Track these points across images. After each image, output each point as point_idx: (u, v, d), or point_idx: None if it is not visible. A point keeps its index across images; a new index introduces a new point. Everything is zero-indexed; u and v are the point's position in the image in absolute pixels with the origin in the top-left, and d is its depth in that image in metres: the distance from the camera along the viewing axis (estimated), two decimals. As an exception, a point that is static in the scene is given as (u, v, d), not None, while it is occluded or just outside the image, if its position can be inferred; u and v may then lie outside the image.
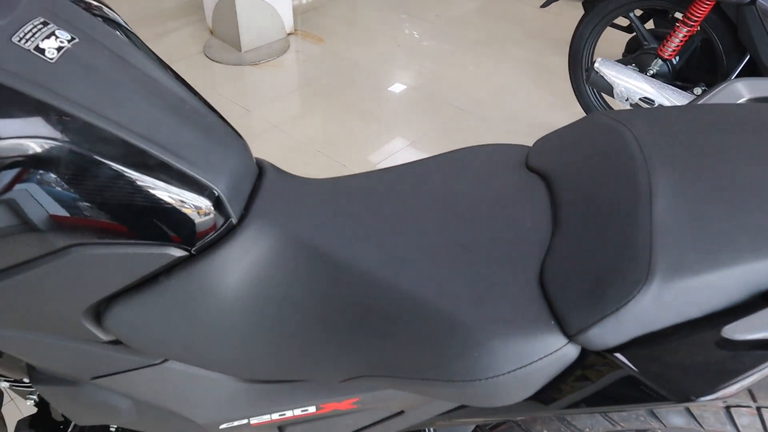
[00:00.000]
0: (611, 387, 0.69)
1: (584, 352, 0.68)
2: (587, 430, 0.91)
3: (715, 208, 0.64)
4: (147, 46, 0.77)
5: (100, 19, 0.71)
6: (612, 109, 2.50)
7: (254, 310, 0.72)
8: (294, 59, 3.16)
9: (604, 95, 2.47)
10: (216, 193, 0.67)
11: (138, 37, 0.76)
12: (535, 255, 0.72)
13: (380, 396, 0.80)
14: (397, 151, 2.55)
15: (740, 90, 0.91)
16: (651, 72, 2.25)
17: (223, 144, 0.72)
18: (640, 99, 2.15)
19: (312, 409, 0.83)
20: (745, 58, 2.05)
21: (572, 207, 0.74)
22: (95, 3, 0.74)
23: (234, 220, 0.71)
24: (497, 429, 0.97)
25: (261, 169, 0.81)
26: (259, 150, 2.51)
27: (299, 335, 0.73)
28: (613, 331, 0.63)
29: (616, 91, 2.18)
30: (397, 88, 2.97)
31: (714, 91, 0.92)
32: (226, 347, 0.73)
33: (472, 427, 0.98)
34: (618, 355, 0.66)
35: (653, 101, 2.13)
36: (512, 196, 0.80)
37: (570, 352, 0.66)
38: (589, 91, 2.50)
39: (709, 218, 0.64)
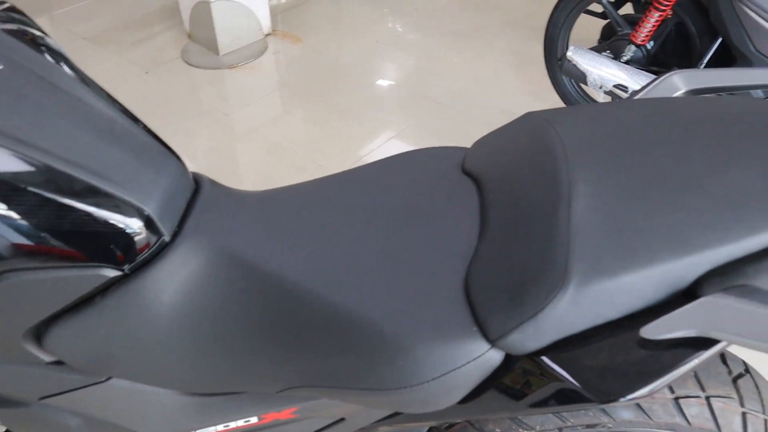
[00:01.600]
0: (538, 389, 0.68)
1: (511, 356, 0.67)
2: (538, 427, 0.90)
3: (634, 208, 0.64)
4: (80, 70, 0.77)
5: (28, 44, 0.71)
6: (589, 97, 2.49)
7: (190, 325, 0.73)
8: (272, 60, 3.15)
9: (581, 83, 2.45)
10: (146, 213, 0.68)
11: (70, 61, 0.76)
12: (462, 260, 0.72)
13: (318, 405, 0.80)
14: (376, 148, 2.54)
15: (677, 83, 0.89)
16: (625, 58, 2.23)
17: (155, 163, 0.73)
18: (613, 86, 2.13)
19: (254, 420, 0.83)
20: (717, 41, 2.04)
21: (498, 210, 0.74)
22: (24, 28, 0.74)
23: (166, 238, 0.72)
24: (451, 429, 0.97)
25: (198, 184, 0.81)
26: (238, 154, 2.50)
27: (234, 348, 0.73)
28: (533, 335, 0.63)
29: (589, 79, 2.17)
30: (377, 84, 2.95)
31: (652, 85, 0.90)
32: (165, 363, 0.74)
33: (426, 428, 0.97)
34: (541, 358, 0.65)
35: (627, 88, 2.11)
36: (444, 201, 0.79)
37: (493, 357, 0.66)
38: (565, 80, 2.48)
39: (627, 218, 0.63)
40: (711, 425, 0.91)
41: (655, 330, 0.59)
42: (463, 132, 2.61)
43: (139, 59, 3.16)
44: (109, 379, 0.78)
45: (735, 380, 0.95)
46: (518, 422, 0.90)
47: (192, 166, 2.44)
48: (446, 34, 3.39)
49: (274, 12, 3.64)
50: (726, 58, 2.07)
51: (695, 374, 0.91)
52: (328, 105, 2.80)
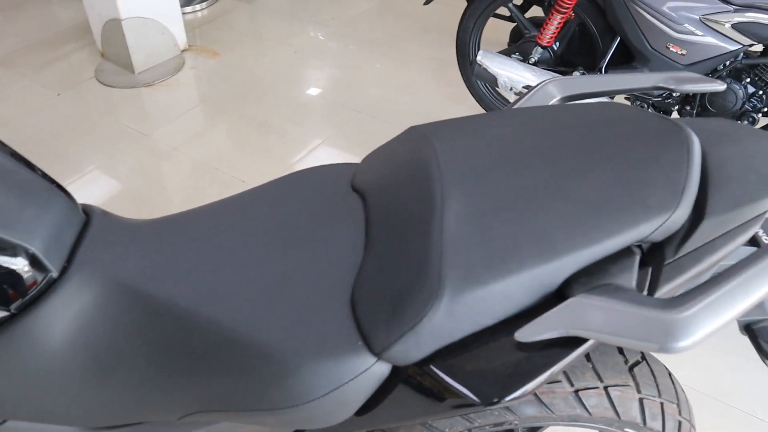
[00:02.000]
0: (429, 396, 0.70)
1: (399, 367, 0.69)
2: (447, 429, 0.92)
3: (503, 217, 0.67)
4: None
5: None
6: (502, 99, 2.56)
7: (84, 359, 0.72)
8: (189, 76, 3.10)
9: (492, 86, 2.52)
10: (30, 251, 0.67)
11: None
12: (349, 277, 0.73)
13: (220, 429, 0.80)
14: (297, 160, 2.54)
15: (552, 90, 0.94)
16: (533, 60, 2.31)
17: (38, 199, 0.72)
18: (523, 87, 2.20)
19: None
20: (616, 40, 2.13)
21: (380, 225, 0.76)
22: None
23: (54, 274, 0.71)
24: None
25: (88, 217, 0.80)
26: (159, 175, 2.45)
27: (130, 379, 0.73)
28: (414, 346, 0.65)
29: (499, 81, 2.23)
30: (296, 95, 2.95)
31: (529, 94, 0.94)
32: (62, 399, 0.73)
33: None
34: (428, 366, 0.67)
35: (536, 89, 2.18)
36: (332, 218, 0.81)
37: (381, 369, 0.68)
38: (479, 83, 2.55)
39: (497, 228, 0.66)
40: (611, 413, 0.95)
41: (528, 333, 0.62)
42: (384, 140, 2.64)
43: (50, 81, 3.06)
44: (4, 422, 0.76)
45: (631, 368, 1.00)
46: (428, 426, 0.92)
47: (111, 190, 2.38)
48: (364, 43, 3.42)
49: (191, 27, 3.58)
50: (626, 56, 2.17)
51: (593, 366, 0.95)
52: (248, 119, 2.78)
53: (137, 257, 0.77)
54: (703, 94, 2.05)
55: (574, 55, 2.36)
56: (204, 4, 3.80)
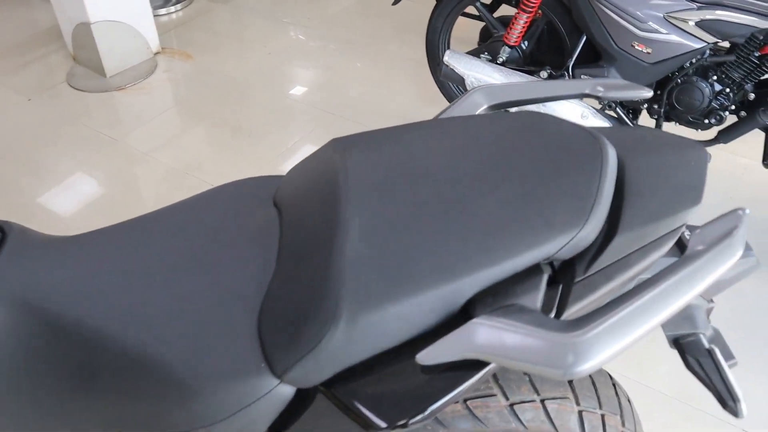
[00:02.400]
0: (337, 419, 0.68)
1: (302, 390, 0.68)
2: None
3: (405, 237, 0.65)
4: None
5: None
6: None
7: None
8: (162, 79, 3.07)
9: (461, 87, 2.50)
10: None
11: None
12: (257, 296, 0.72)
13: None
14: (266, 164, 2.51)
15: (479, 99, 0.92)
16: (501, 59, 2.29)
17: None
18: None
19: None
20: (582, 39, 2.11)
21: (290, 243, 0.74)
22: None
23: None
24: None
25: (5, 233, 0.79)
26: (130, 180, 2.42)
27: (40, 398, 0.71)
28: (315, 369, 0.64)
29: (467, 82, 2.21)
30: (268, 98, 2.93)
31: (456, 102, 0.92)
32: None
33: None
34: (333, 390, 0.66)
35: (504, 89, 2.16)
36: (248, 235, 0.79)
37: (284, 391, 0.67)
38: (451, 84, 2.53)
39: (397, 248, 0.64)
40: (547, 427, 0.93)
41: (429, 356, 0.60)
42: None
43: (21, 86, 3.02)
44: None
45: (570, 380, 0.98)
46: None
47: (80, 197, 2.35)
48: (340, 43, 3.39)
49: (165, 29, 3.55)
50: (594, 54, 2.15)
51: (530, 379, 0.94)
52: (221, 123, 2.75)
53: (50, 275, 0.76)
54: (670, 91, 2.03)
55: (543, 54, 2.34)
56: (179, 6, 3.77)
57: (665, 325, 0.85)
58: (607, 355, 0.56)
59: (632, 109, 2.19)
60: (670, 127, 2.35)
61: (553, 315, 0.66)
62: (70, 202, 2.33)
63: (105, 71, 3.03)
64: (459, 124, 0.79)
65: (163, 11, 3.72)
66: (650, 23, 1.91)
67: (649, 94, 0.89)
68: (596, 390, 0.99)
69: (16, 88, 3.01)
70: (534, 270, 0.65)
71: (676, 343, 0.85)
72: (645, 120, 2.33)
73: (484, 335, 0.58)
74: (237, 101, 2.90)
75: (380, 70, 3.13)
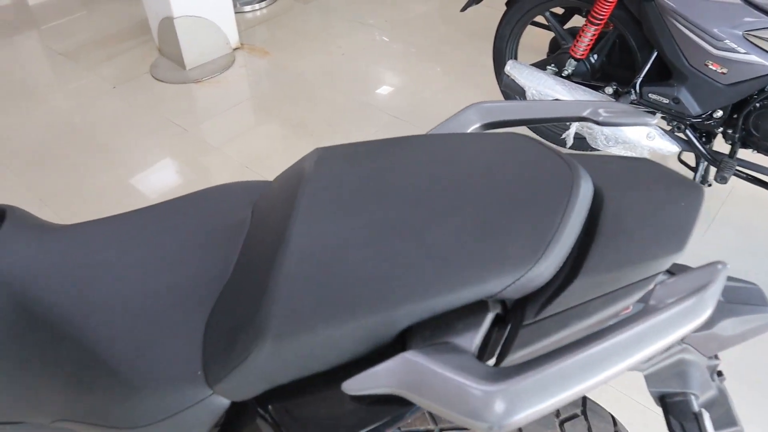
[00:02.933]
0: None
1: (241, 403, 0.67)
2: None
3: (347, 258, 0.62)
4: None
5: None
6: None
7: None
8: (237, 74, 3.17)
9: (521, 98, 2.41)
10: None
11: None
12: (210, 303, 0.71)
13: None
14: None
15: (472, 116, 0.87)
16: (566, 72, 2.20)
17: None
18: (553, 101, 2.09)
19: None
20: (653, 54, 1.99)
21: (247, 252, 0.73)
22: None
23: None
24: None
25: (3, 218, 0.83)
26: (195, 170, 2.51)
27: (9, 378, 0.75)
28: (243, 383, 0.63)
29: (527, 94, 2.13)
30: (336, 98, 2.95)
31: (451, 117, 0.88)
32: None
33: None
34: (264, 407, 0.65)
35: (566, 103, 2.07)
36: (219, 239, 0.79)
37: (218, 402, 0.66)
38: (514, 96, 2.45)
39: (337, 269, 0.62)
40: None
41: (355, 385, 0.57)
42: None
43: (109, 74, 3.20)
44: None
45: (562, 424, 0.92)
46: None
47: (148, 183, 2.46)
48: (413, 47, 3.37)
49: (249, 25, 3.66)
50: (665, 71, 2.02)
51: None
52: (286, 119, 2.80)
53: (31, 262, 0.79)
54: (747, 116, 1.88)
55: (611, 69, 2.22)
56: (263, 3, 3.87)
57: (650, 380, 0.78)
58: (537, 410, 0.52)
59: (705, 132, 2.04)
60: (747, 155, 2.17)
61: (494, 359, 0.62)
62: (140, 187, 2.44)
63: (185, 64, 3.16)
64: (440, 141, 0.75)
65: (248, 8, 3.83)
66: (727, 41, 1.77)
67: (653, 122, 0.81)
68: (590, 436, 0.93)
69: (104, 76, 3.19)
70: (479, 307, 0.60)
71: (662, 400, 0.77)
72: (720, 145, 2.17)
73: (408, 373, 0.55)
74: (305, 99, 2.94)
75: (451, 76, 3.08)
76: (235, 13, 3.38)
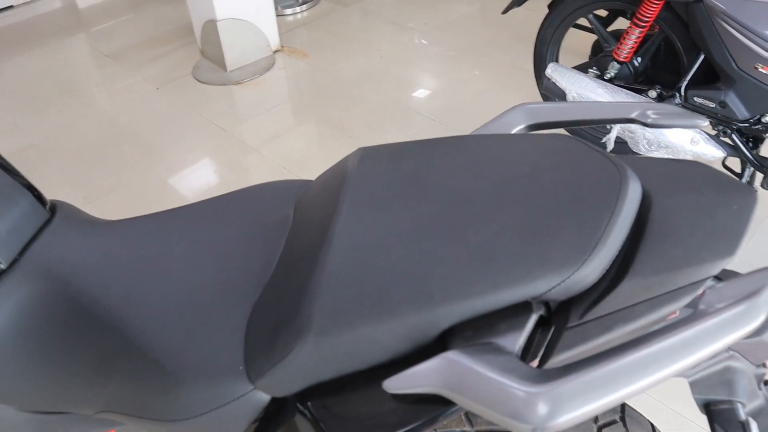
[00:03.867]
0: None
1: (277, 398, 0.67)
2: None
3: (389, 257, 0.62)
4: None
5: None
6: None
7: (20, 345, 0.77)
8: (277, 76, 3.20)
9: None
10: None
11: None
12: (254, 298, 0.72)
13: (128, 430, 0.82)
14: (363, 165, 2.54)
15: (517, 117, 0.86)
16: (609, 75, 2.16)
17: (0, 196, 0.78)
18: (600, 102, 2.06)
19: None
20: (699, 57, 1.94)
21: (289, 250, 0.74)
22: None
23: (2, 266, 0.77)
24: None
25: (53, 213, 0.85)
26: (234, 170, 2.55)
27: (57, 369, 0.77)
28: (284, 379, 0.63)
29: (568, 97, 2.10)
30: (374, 100, 2.96)
31: (495, 118, 0.87)
32: (1, 379, 0.78)
33: None
34: (304, 403, 0.65)
35: (608, 106, 2.03)
36: (264, 236, 0.80)
37: (259, 397, 0.67)
38: (554, 98, 2.42)
39: (379, 267, 0.62)
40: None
41: (396, 384, 0.57)
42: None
43: (153, 76, 3.27)
44: None
45: (600, 429, 0.91)
46: None
47: (181, 182, 2.51)
48: (452, 49, 3.36)
49: (289, 28, 3.70)
50: (712, 75, 1.97)
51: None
52: (325, 121, 2.82)
53: (80, 256, 0.81)
54: (799, 122, 1.82)
55: (656, 72, 2.17)
56: (304, 6, 3.91)
57: (695, 387, 0.76)
58: (581, 414, 0.51)
59: (753, 137, 1.99)
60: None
61: (537, 360, 0.61)
62: (181, 186, 2.49)
63: (226, 66, 3.21)
64: (484, 142, 0.75)
65: (289, 11, 3.88)
66: (778, 44, 1.72)
67: (704, 124, 0.79)
68: (630, 444, 0.91)
69: (147, 78, 3.26)
70: (522, 308, 0.59)
71: (707, 408, 0.75)
72: (767, 150, 2.11)
73: (450, 373, 0.55)
74: (344, 101, 2.96)
75: (491, 80, 3.06)
76: (276, 16, 3.42)
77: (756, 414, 0.76)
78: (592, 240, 0.59)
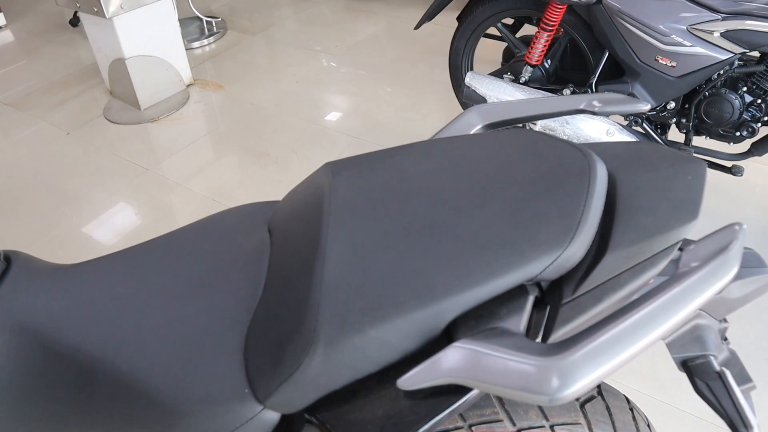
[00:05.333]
0: None
1: (287, 415, 0.67)
2: None
3: (383, 259, 0.64)
4: None
5: None
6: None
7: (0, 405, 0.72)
8: (193, 110, 3.15)
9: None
10: None
11: None
12: (244, 321, 0.72)
13: None
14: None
15: (473, 118, 0.90)
16: (523, 79, 2.27)
17: None
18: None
19: None
20: (605, 55, 2.08)
21: (277, 268, 0.74)
22: None
23: None
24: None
25: (9, 262, 0.81)
26: (160, 209, 2.48)
27: (36, 423, 0.73)
28: (295, 394, 0.63)
29: (489, 103, 2.19)
30: (294, 124, 2.96)
31: (452, 122, 0.91)
32: None
33: None
34: (315, 416, 0.65)
35: (527, 108, 2.14)
36: (242, 260, 0.79)
37: (269, 417, 0.66)
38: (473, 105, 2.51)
39: (376, 270, 0.63)
40: (557, 454, 0.90)
41: (411, 381, 0.59)
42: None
43: (61, 121, 3.14)
44: None
45: (583, 405, 0.95)
46: None
47: (116, 226, 2.41)
48: (366, 68, 3.42)
49: (199, 60, 3.65)
50: (617, 71, 2.11)
51: (538, 404, 0.91)
52: (248, 150, 2.80)
53: (49, 303, 0.77)
54: (698, 104, 1.98)
55: (566, 72, 2.31)
56: (212, 39, 3.88)
57: (672, 347, 0.82)
58: (592, 379, 0.54)
59: (660, 124, 2.14)
60: (701, 141, 2.29)
61: (539, 338, 0.64)
62: (107, 230, 2.39)
63: (139, 104, 3.13)
64: (450, 144, 0.78)
65: (196, 44, 3.83)
66: (673, 36, 1.87)
67: (646, 107, 0.87)
68: (611, 414, 0.96)
69: (55, 123, 3.12)
70: (519, 291, 0.63)
71: (685, 365, 0.81)
72: (675, 134, 2.27)
73: (464, 360, 0.57)
74: (265, 129, 2.95)
75: (408, 94, 3.14)
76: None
77: (724, 365, 0.82)
78: (573, 220, 0.63)
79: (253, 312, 0.72)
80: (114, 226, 2.41)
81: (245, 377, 0.66)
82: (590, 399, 0.96)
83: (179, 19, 3.36)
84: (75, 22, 4.34)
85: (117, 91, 3.23)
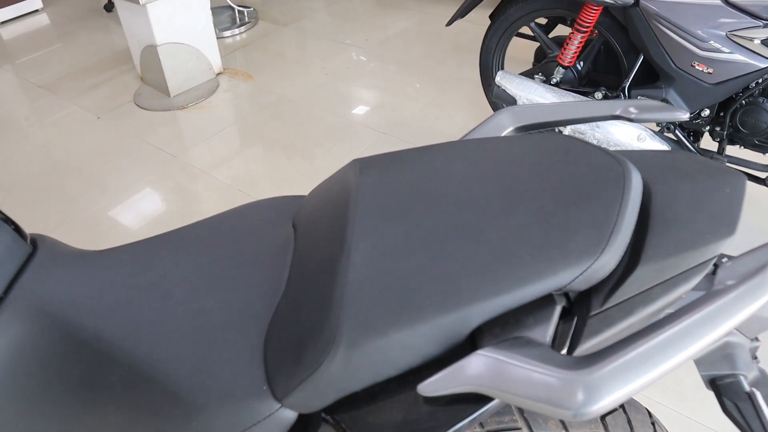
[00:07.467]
0: None
1: (304, 415, 0.67)
2: None
3: (410, 261, 0.63)
4: None
5: None
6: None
7: (11, 388, 0.73)
8: (222, 99, 3.16)
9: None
10: None
11: None
12: (266, 317, 0.71)
13: None
14: (316, 183, 2.53)
15: (505, 120, 0.88)
16: (555, 80, 2.24)
17: None
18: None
19: None
20: (639, 59, 2.04)
21: (300, 264, 0.73)
22: None
23: None
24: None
25: (35, 247, 0.81)
26: (185, 196, 2.50)
27: (53, 410, 0.73)
28: (314, 394, 0.62)
29: (519, 103, 2.17)
30: (322, 117, 2.96)
31: (483, 123, 0.89)
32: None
33: None
34: (331, 416, 0.64)
35: (557, 110, 2.11)
36: (266, 255, 0.79)
37: (286, 415, 0.65)
38: (503, 105, 2.49)
39: (402, 272, 0.62)
40: (576, 465, 0.89)
41: (432, 387, 0.58)
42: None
43: (92, 105, 3.18)
44: None
45: (603, 417, 0.93)
46: None
47: (141, 212, 2.44)
48: (396, 63, 3.41)
49: (230, 50, 3.67)
50: (651, 75, 2.07)
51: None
52: (275, 141, 2.80)
53: (72, 289, 0.77)
54: (733, 113, 1.93)
55: (599, 74, 2.27)
56: (243, 28, 3.89)
57: (700, 365, 0.80)
58: (619, 396, 0.52)
59: (693, 131, 2.10)
60: (734, 150, 2.24)
61: (565, 350, 0.63)
62: (132, 216, 2.42)
63: (169, 91, 3.15)
64: (481, 145, 0.76)
65: (227, 33, 3.85)
66: (712, 42, 1.83)
67: (684, 116, 0.84)
68: (632, 428, 0.94)
69: (87, 107, 3.16)
70: (546, 301, 0.61)
71: (713, 384, 0.79)
72: (707, 143, 2.23)
73: (488, 368, 0.55)
74: (292, 120, 2.95)
75: (436, 91, 3.12)
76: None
77: (755, 385, 0.80)
78: (606, 230, 0.62)
79: (274, 308, 0.72)
80: (139, 212, 2.44)
81: (264, 374, 0.66)
82: (611, 411, 0.95)
83: (212, 8, 3.38)
84: (109, 7, 4.38)
85: (148, 78, 3.26)
